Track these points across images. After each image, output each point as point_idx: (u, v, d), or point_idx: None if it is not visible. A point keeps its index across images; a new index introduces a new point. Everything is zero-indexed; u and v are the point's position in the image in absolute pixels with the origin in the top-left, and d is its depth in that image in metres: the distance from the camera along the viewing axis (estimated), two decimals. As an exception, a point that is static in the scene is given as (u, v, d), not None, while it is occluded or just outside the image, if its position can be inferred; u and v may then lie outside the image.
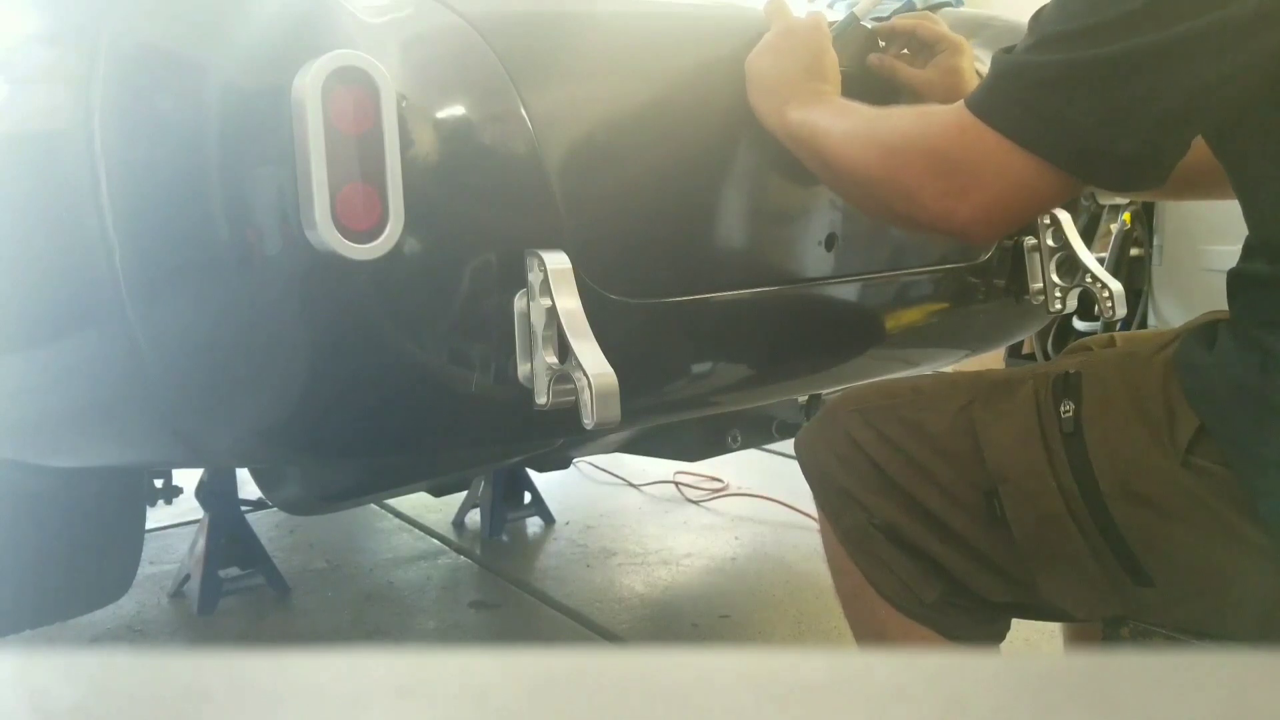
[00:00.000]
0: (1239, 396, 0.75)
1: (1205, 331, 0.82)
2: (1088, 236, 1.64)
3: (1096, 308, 1.48)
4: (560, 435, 1.25)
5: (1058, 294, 1.52)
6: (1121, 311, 1.46)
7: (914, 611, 0.90)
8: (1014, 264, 1.55)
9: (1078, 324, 3.08)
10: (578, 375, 1.00)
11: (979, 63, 1.62)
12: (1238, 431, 0.75)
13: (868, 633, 0.96)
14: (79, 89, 1.02)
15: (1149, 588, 0.81)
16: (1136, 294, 3.01)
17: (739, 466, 2.68)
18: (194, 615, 1.92)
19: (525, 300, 1.04)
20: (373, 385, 1.05)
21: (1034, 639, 1.69)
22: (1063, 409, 0.83)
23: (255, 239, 0.97)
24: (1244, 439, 0.74)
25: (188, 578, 1.97)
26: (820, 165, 0.91)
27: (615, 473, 2.78)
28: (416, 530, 2.42)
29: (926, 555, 0.88)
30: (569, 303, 1.02)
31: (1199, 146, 0.79)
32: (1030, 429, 0.84)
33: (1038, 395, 0.85)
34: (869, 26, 1.35)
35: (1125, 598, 0.83)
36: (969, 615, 0.90)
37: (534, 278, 1.03)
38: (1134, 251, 3.07)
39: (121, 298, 1.03)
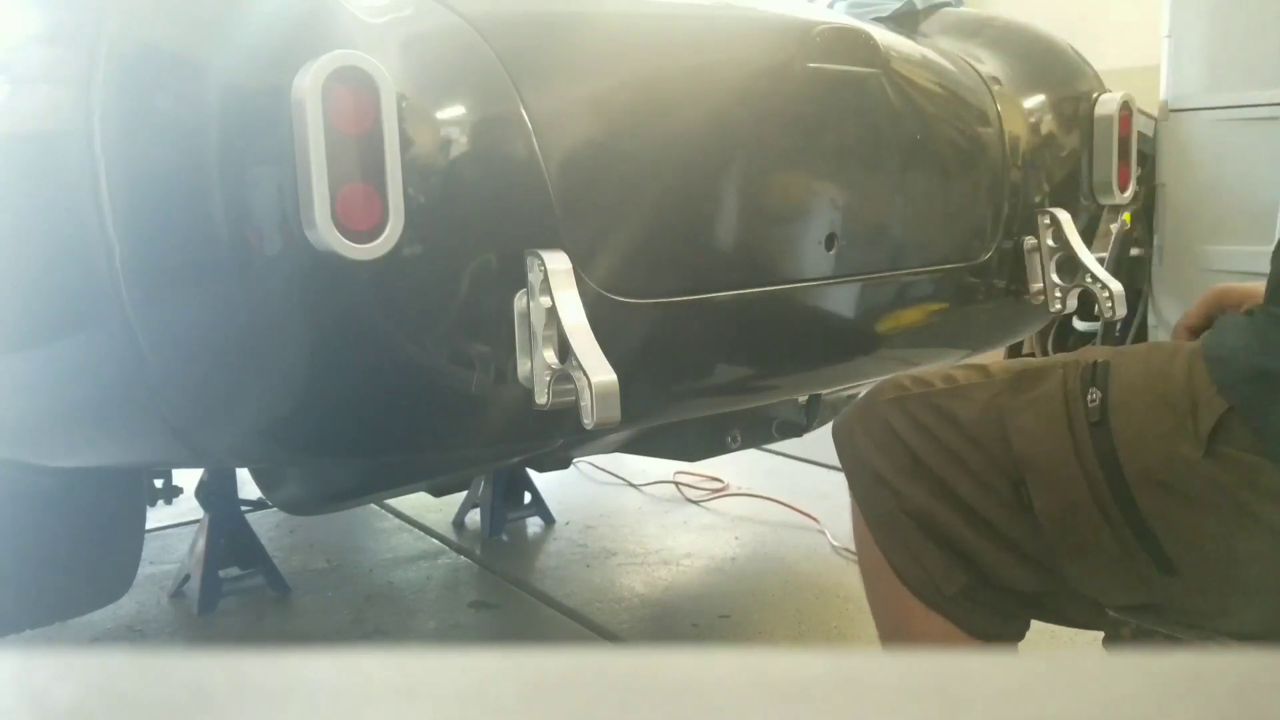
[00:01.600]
0: (1266, 379, 0.75)
1: (1234, 319, 0.82)
2: (1088, 236, 1.64)
3: (1096, 308, 1.48)
4: (560, 435, 1.25)
5: (1058, 294, 1.52)
6: (1121, 311, 1.46)
7: (934, 602, 0.90)
8: (1014, 264, 1.55)
9: (1078, 324, 3.08)
10: (578, 375, 1.00)
11: (979, 63, 1.62)
12: (1267, 415, 0.75)
13: (888, 619, 0.96)
14: (79, 89, 1.02)
15: (1173, 576, 0.81)
16: (1136, 294, 3.01)
17: (739, 466, 2.68)
18: (194, 615, 1.91)
19: (525, 300, 1.04)
20: (373, 385, 1.05)
21: (1034, 639, 1.69)
22: (1090, 397, 0.83)
23: (255, 239, 0.97)
24: (1273, 422, 0.74)
25: (188, 578, 1.97)
26: None
27: (615, 473, 2.78)
28: (416, 530, 2.42)
29: (954, 545, 0.89)
30: (569, 303, 1.02)
31: None
32: (1057, 417, 0.84)
33: (1066, 384, 0.85)
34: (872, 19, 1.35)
35: (1150, 586, 0.83)
36: (988, 611, 0.91)
37: (534, 278, 1.03)
38: (1134, 251, 3.06)
39: (121, 298, 1.02)
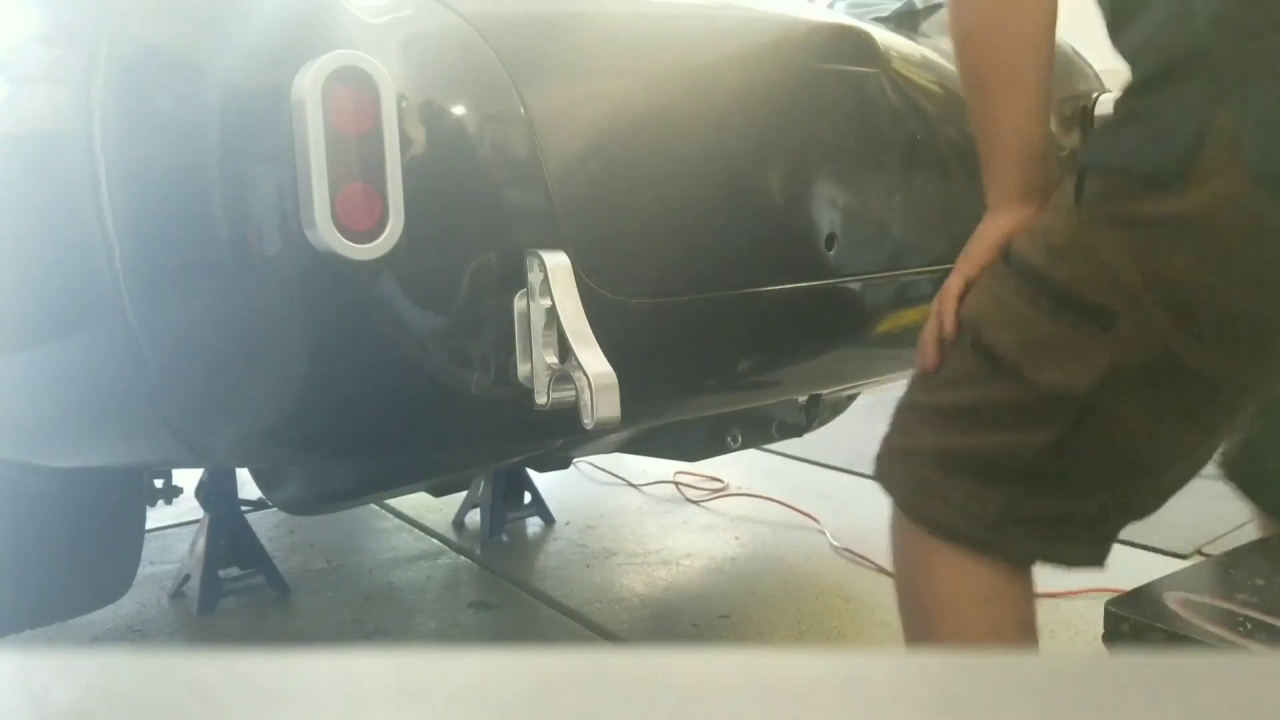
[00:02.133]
0: (1104, 130, 0.96)
1: None
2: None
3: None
4: (560, 435, 1.25)
5: (1058, 294, 1.52)
6: (1121, 310, 1.46)
7: (979, 538, 0.95)
8: (1014, 264, 1.55)
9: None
10: (577, 375, 1.00)
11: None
12: (1106, 147, 0.93)
13: (935, 604, 0.99)
14: (79, 89, 1.02)
15: (1115, 324, 0.89)
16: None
17: (739, 466, 2.68)
18: (194, 615, 1.92)
19: (525, 300, 1.04)
20: (372, 385, 1.05)
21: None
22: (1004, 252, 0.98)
23: (255, 239, 0.97)
24: (1112, 147, 0.92)
25: (188, 578, 1.97)
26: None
27: (615, 473, 2.78)
28: (416, 530, 2.42)
29: (971, 463, 0.96)
30: (569, 303, 1.02)
31: None
32: (983, 281, 0.99)
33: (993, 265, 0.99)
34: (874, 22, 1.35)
35: (1103, 345, 0.90)
36: (1031, 531, 0.95)
37: (534, 278, 1.03)
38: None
39: (121, 298, 1.03)
